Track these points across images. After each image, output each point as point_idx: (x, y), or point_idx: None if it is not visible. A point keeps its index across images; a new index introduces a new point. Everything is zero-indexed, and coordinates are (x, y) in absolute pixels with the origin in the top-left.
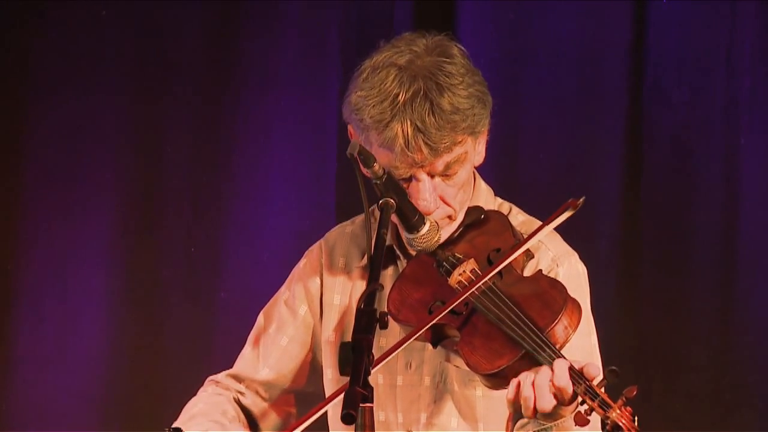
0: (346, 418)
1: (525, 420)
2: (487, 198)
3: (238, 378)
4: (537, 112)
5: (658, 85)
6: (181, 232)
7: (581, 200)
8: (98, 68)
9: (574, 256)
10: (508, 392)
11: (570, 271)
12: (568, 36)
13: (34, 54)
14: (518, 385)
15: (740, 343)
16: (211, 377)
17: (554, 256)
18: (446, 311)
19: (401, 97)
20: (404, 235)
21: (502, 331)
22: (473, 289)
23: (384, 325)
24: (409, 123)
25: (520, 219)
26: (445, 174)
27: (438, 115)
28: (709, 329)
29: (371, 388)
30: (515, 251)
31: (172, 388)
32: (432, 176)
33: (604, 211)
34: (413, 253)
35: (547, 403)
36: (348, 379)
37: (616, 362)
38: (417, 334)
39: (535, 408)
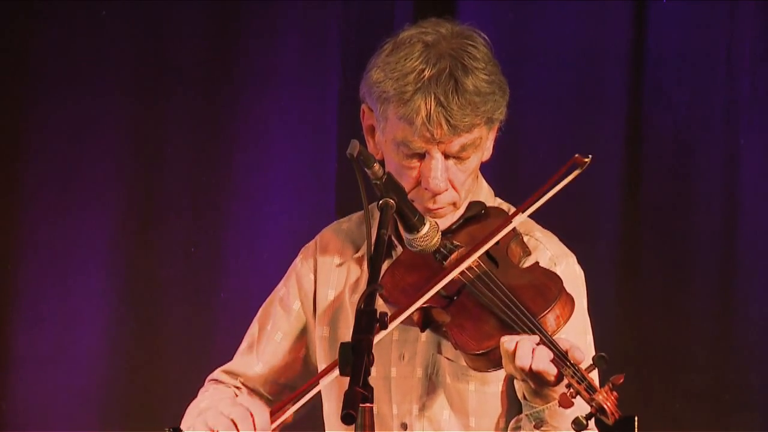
0: (346, 419)
1: (518, 417)
2: (487, 197)
3: (233, 374)
4: (537, 112)
5: (658, 85)
6: (181, 232)
7: (588, 158)
8: (98, 68)
9: (572, 258)
10: (506, 343)
11: (567, 271)
12: (568, 36)
13: (34, 54)
14: (517, 343)
15: (740, 343)
16: (209, 377)
17: (552, 256)
18: (438, 289)
19: (426, 73)
20: (404, 235)
21: (493, 314)
22: (469, 262)
23: (384, 326)
24: (432, 97)
25: (518, 219)
26: (459, 157)
27: (461, 95)
28: (709, 329)
29: (371, 389)
30: (516, 217)
31: (172, 388)
32: (446, 157)
33: (604, 211)
34: None
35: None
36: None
37: (616, 362)
38: (415, 307)
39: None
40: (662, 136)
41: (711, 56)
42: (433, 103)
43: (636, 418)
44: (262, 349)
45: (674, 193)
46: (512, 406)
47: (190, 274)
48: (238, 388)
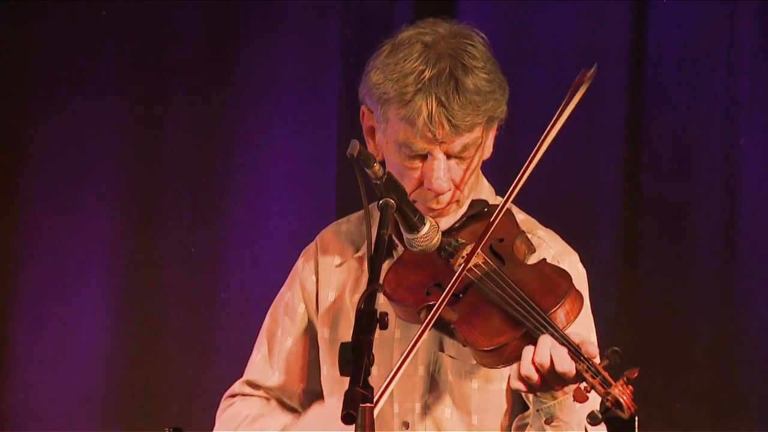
0: (346, 419)
1: (523, 414)
2: (488, 195)
3: (254, 385)
4: (537, 112)
5: (658, 85)
6: (181, 232)
7: (593, 69)
8: (98, 68)
9: (575, 257)
10: (520, 368)
11: (570, 271)
12: (568, 36)
13: (34, 54)
14: (533, 355)
15: (740, 343)
16: (228, 393)
17: (555, 254)
18: (449, 293)
19: (427, 73)
20: (404, 235)
21: (503, 310)
22: (476, 255)
23: (384, 326)
24: (434, 98)
25: (520, 217)
26: (460, 156)
27: (462, 94)
28: (709, 329)
29: (371, 388)
30: (516, 187)
31: (172, 388)
32: (448, 157)
33: (604, 211)
34: None
35: (569, 364)
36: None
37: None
38: (427, 326)
39: (551, 370)
40: (662, 136)
41: (711, 56)
42: (434, 103)
43: (636, 418)
44: (276, 358)
45: (674, 193)
46: (516, 404)
47: (190, 274)
48: (266, 399)
